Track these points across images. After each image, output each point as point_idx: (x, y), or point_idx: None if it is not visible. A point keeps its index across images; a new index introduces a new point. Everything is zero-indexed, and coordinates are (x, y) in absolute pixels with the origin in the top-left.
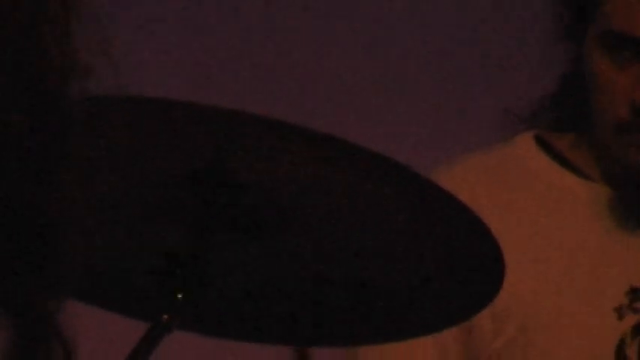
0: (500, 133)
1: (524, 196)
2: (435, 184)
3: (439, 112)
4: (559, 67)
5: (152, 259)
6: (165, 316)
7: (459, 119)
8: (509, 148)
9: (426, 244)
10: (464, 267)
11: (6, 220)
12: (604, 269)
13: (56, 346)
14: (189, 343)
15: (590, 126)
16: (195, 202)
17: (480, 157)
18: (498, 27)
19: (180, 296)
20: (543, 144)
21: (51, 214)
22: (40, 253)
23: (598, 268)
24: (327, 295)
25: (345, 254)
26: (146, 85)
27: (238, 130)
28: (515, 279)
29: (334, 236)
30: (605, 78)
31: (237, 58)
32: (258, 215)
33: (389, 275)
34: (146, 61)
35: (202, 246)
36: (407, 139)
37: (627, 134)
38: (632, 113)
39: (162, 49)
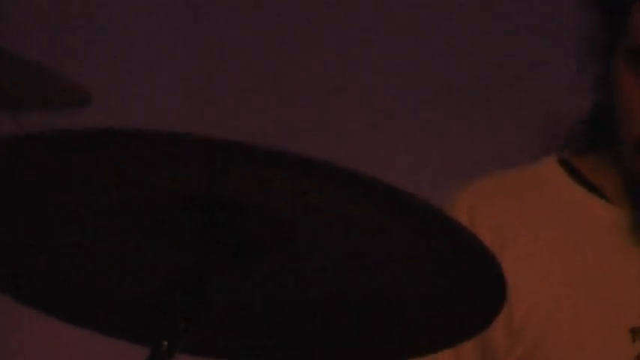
0: (529, 154)
1: (545, 215)
2: (433, 206)
3: (466, 130)
4: (589, 90)
5: (153, 284)
6: (166, 343)
7: (487, 139)
8: (533, 169)
9: (426, 265)
10: (465, 287)
11: None
12: (621, 291)
13: None
14: None
15: (617, 146)
16: (194, 227)
17: (502, 176)
18: (530, 45)
19: (180, 322)
20: (567, 166)
21: None
22: None
23: (616, 290)
24: (329, 316)
25: (345, 275)
26: (148, 110)
27: (236, 157)
28: (532, 296)
29: (334, 258)
30: (629, 94)
31: (236, 77)
32: (257, 239)
33: (390, 296)
34: (148, 85)
35: (203, 271)
36: (428, 157)
37: None
38: None
39: (162, 76)
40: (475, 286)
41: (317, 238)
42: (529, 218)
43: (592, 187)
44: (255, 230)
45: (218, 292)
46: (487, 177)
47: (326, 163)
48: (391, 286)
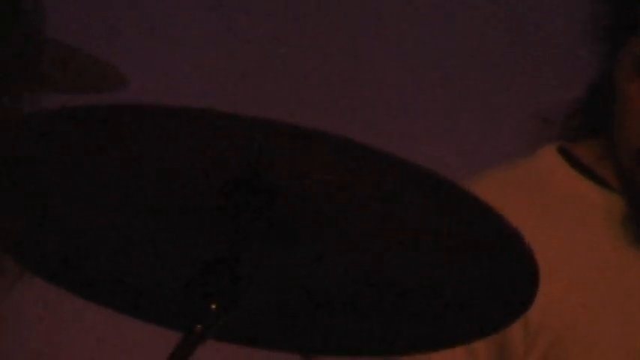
0: (526, 141)
1: (551, 209)
2: (470, 192)
3: (462, 120)
4: (586, 74)
5: (186, 268)
6: (199, 326)
7: (482, 126)
8: (533, 161)
9: (460, 251)
10: (497, 276)
11: None
12: (634, 285)
13: None
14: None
15: (614, 141)
16: (228, 210)
17: (504, 172)
18: (525, 33)
19: (214, 306)
20: (567, 155)
21: None
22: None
23: (629, 284)
24: (362, 302)
25: (379, 260)
26: (178, 92)
27: (272, 138)
28: (547, 293)
29: (369, 242)
30: (633, 103)
31: (260, 66)
32: (292, 223)
33: (421, 283)
34: (176, 68)
35: (236, 255)
36: (428, 145)
37: None
38: None
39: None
40: (508, 274)
41: (351, 221)
42: (537, 216)
43: (594, 176)
44: (291, 214)
45: (251, 276)
46: (489, 172)
47: (366, 145)
48: (426, 272)
